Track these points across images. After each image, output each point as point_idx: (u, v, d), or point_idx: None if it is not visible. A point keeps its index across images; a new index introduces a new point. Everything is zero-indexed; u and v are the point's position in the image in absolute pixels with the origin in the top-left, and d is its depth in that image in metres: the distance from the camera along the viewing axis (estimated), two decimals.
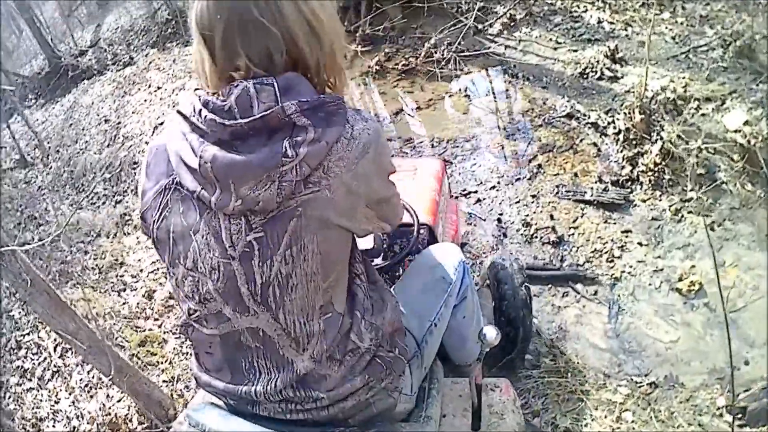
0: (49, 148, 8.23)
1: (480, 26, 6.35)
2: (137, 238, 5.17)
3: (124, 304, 4.34)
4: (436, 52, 6.14)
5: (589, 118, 4.63)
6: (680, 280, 3.30)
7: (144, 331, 3.95)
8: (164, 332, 3.91)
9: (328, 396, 1.31)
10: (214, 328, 1.29)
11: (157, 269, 4.59)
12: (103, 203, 6.28)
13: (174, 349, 3.75)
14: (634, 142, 4.13)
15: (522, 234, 3.84)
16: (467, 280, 1.84)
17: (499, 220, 3.98)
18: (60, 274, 5.01)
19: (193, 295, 1.27)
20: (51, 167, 7.76)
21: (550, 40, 5.76)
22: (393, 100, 5.97)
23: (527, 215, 3.96)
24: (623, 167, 4.08)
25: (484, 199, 4.22)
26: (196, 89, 1.25)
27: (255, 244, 1.18)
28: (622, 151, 4.18)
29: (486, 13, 6.43)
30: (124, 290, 4.53)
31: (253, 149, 1.13)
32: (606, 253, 3.56)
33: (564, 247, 3.69)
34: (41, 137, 8.55)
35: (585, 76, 5.10)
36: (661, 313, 3.18)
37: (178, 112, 1.22)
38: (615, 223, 3.75)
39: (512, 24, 6.20)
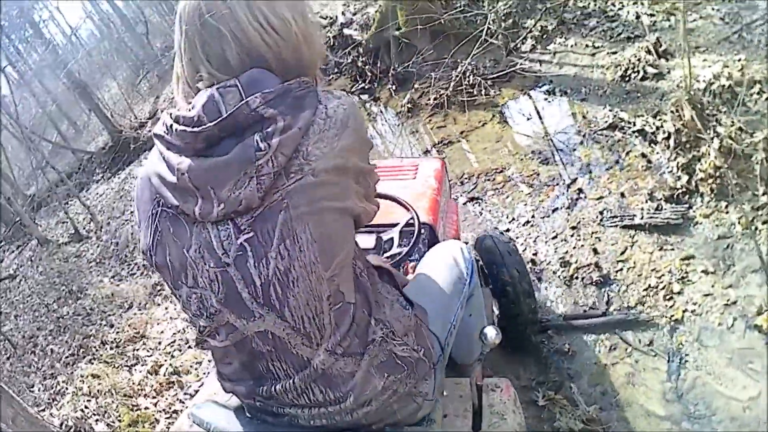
0: (101, 221, 8.44)
1: (512, 45, 5.83)
2: (166, 308, 5.01)
3: (129, 380, 4.11)
4: (465, 80, 5.66)
5: (634, 125, 3.98)
6: (759, 313, 2.58)
7: (139, 409, 3.72)
8: (158, 411, 3.64)
9: (354, 395, 1.27)
10: (225, 339, 1.26)
11: (174, 341, 4.38)
12: (142, 273, 6.20)
13: (162, 431, 3.47)
14: (687, 146, 3.45)
15: (560, 276, 3.22)
16: (475, 278, 1.79)
17: (533, 262, 3.37)
18: (80, 348, 4.98)
19: (200, 311, 1.24)
20: (102, 239, 7.94)
21: (587, 46, 5.15)
22: (424, 137, 5.53)
23: (566, 252, 3.34)
24: (678, 178, 3.40)
25: (517, 237, 3.63)
26: (167, 110, 1.21)
27: (247, 246, 1.15)
28: (675, 159, 3.50)
29: (516, 30, 5.89)
30: (136, 365, 4.31)
31: (226, 151, 1.11)
32: (663, 289, 2.89)
33: (610, 287, 3.04)
34: (95, 211, 8.81)
35: (627, 79, 4.46)
36: (737, 361, 2.48)
37: (154, 134, 1.20)
38: (673, 249, 3.07)
39: (545, 36, 5.64)
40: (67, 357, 4.96)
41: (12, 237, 10.42)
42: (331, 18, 9.45)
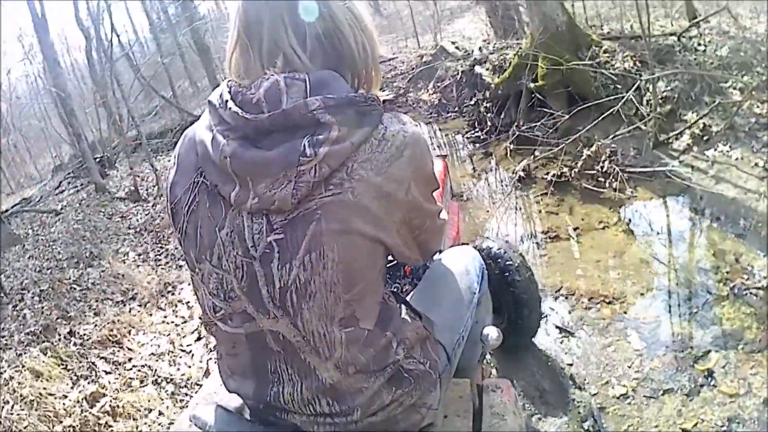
0: (163, 187, 8.15)
1: (663, 137, 4.74)
2: (164, 317, 4.38)
3: (64, 396, 3.34)
4: (598, 165, 4.62)
5: None
6: None
7: None
8: None
9: (362, 409, 1.23)
10: (238, 326, 1.20)
11: (145, 365, 3.66)
12: (167, 263, 5.65)
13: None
14: None
15: None
16: (485, 286, 1.78)
17: None
18: (45, 329, 4.37)
19: (218, 292, 1.19)
20: (155, 208, 7.61)
21: (756, 165, 4.07)
22: (528, 219, 4.53)
23: None
24: None
25: (605, 408, 2.56)
26: (229, 80, 1.14)
27: (275, 246, 1.10)
28: None
29: (673, 120, 4.81)
30: (86, 379, 3.58)
31: (274, 146, 1.06)
32: None
33: None
34: (162, 175, 8.53)
35: None
36: None
37: (209, 101, 1.15)
38: None
39: (705, 138, 4.54)
40: (28, 333, 4.34)
41: (81, 172, 10.24)
42: (466, 51, 8.64)
